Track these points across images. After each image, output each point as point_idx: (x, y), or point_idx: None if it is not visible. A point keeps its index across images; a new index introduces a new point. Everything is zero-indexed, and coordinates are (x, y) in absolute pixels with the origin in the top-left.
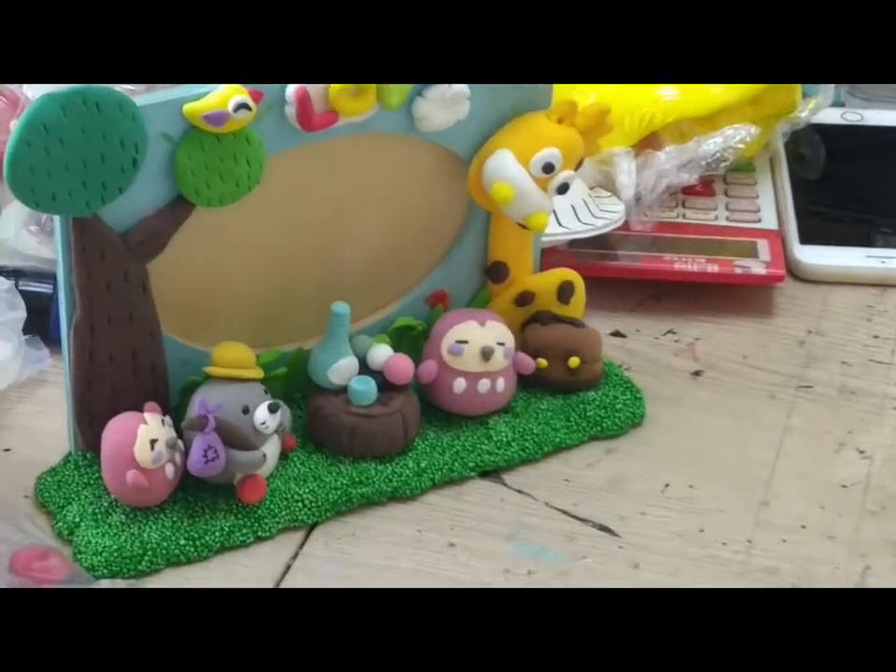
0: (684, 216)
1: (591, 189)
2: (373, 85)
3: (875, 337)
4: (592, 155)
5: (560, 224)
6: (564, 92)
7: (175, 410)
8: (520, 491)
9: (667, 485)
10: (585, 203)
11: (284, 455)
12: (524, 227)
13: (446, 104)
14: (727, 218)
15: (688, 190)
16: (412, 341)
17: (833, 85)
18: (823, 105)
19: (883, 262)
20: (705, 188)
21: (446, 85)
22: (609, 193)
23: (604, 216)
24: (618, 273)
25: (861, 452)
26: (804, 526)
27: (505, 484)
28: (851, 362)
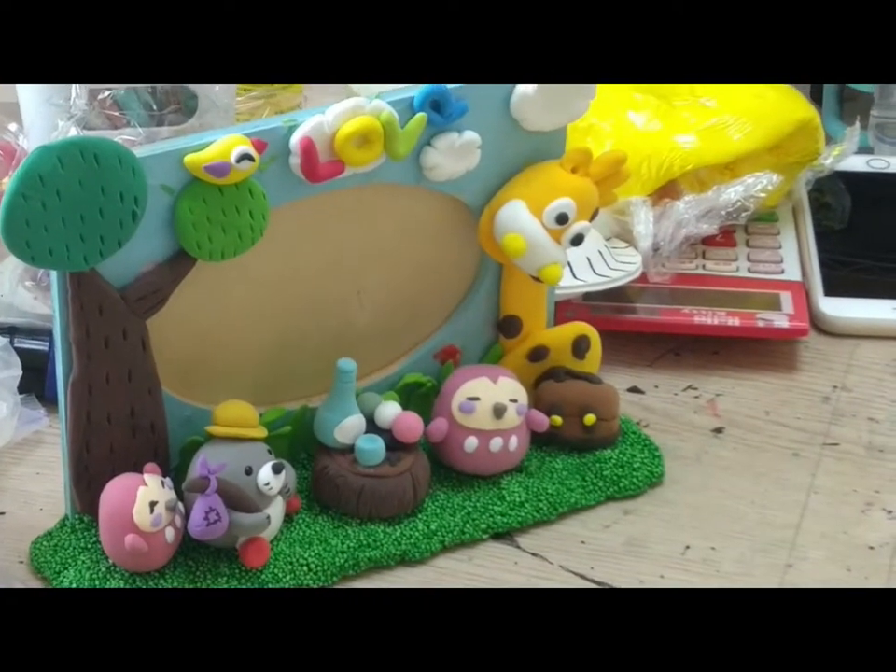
0: (704, 267)
1: (607, 239)
2: (381, 134)
3: None
4: (608, 205)
5: (575, 276)
6: (578, 140)
7: (175, 471)
8: (534, 554)
9: (688, 547)
10: (601, 254)
11: (288, 518)
12: (537, 280)
13: (456, 153)
14: (749, 270)
15: (708, 241)
16: (421, 398)
17: (857, 132)
18: (848, 153)
19: None
20: (725, 238)
21: (456, 133)
22: (625, 244)
23: (620, 267)
24: (635, 328)
25: (889, 512)
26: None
27: (519, 547)
28: (879, 419)
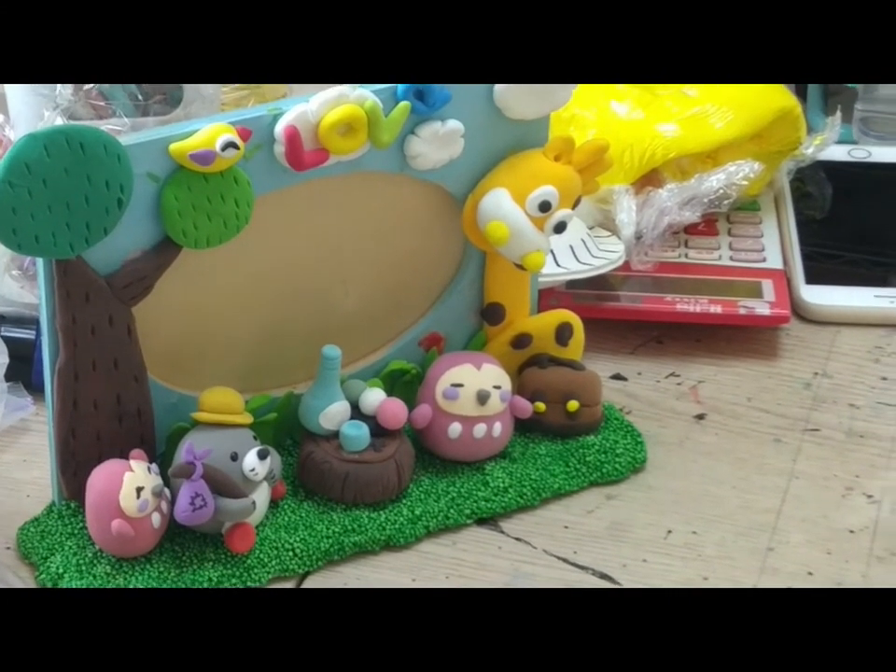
0: (687, 255)
1: (590, 228)
2: (365, 123)
3: (884, 379)
4: (590, 193)
5: (558, 264)
6: (561, 129)
7: (162, 457)
8: (518, 538)
9: (670, 532)
10: (584, 242)
11: (274, 503)
12: (520, 267)
13: (440, 141)
14: (731, 258)
15: (690, 230)
16: (405, 385)
17: (839, 121)
18: (829, 142)
19: (892, 302)
20: (708, 227)
21: (439, 122)
22: (608, 233)
23: (603, 255)
24: (618, 315)
25: (869, 496)
26: (810, 573)
27: (502, 532)
28: (859, 405)
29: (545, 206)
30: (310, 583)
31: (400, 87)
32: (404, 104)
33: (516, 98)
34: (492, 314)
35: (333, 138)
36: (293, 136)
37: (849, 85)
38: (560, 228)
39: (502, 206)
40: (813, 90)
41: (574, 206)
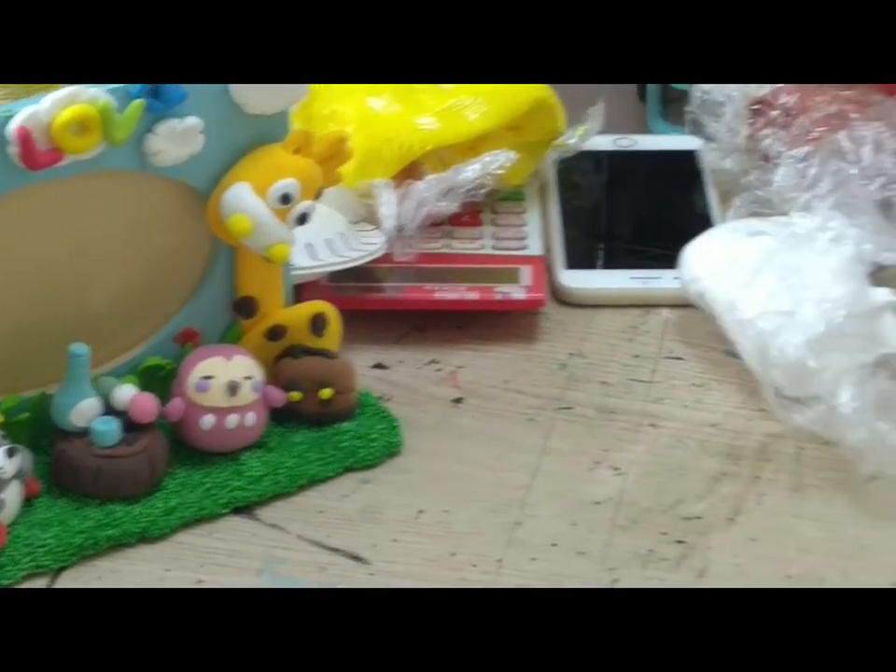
0: (450, 245)
1: (354, 223)
2: (98, 121)
3: (636, 356)
4: (332, 184)
5: (314, 258)
6: (321, 126)
7: None
8: (273, 525)
9: (421, 512)
10: (342, 235)
11: (28, 502)
12: (267, 259)
13: (178, 138)
14: (493, 247)
15: (455, 221)
16: (162, 380)
17: (602, 110)
18: (592, 132)
19: (646, 283)
20: (472, 218)
21: (177, 119)
22: (372, 226)
23: (361, 248)
24: (378, 305)
25: (616, 469)
26: (554, 544)
27: (258, 519)
28: (611, 382)
29: (286, 198)
30: (64, 579)
31: (134, 85)
32: (137, 102)
33: (253, 93)
34: (244, 307)
35: (66, 137)
36: (25, 137)
37: (686, 90)
38: (302, 219)
39: (244, 199)
40: (651, 95)
41: (316, 198)
